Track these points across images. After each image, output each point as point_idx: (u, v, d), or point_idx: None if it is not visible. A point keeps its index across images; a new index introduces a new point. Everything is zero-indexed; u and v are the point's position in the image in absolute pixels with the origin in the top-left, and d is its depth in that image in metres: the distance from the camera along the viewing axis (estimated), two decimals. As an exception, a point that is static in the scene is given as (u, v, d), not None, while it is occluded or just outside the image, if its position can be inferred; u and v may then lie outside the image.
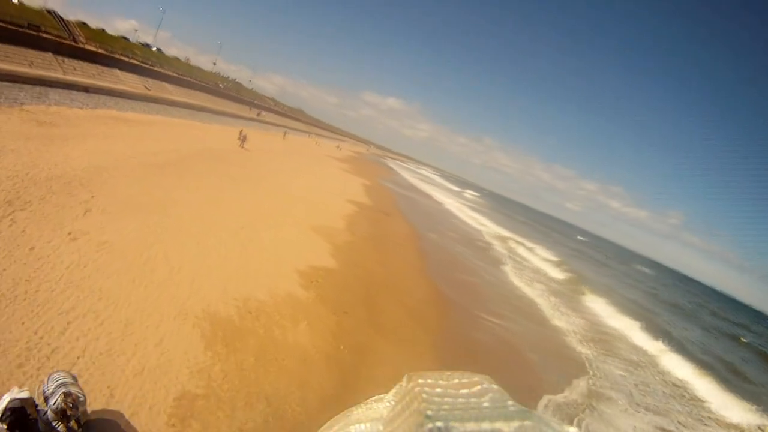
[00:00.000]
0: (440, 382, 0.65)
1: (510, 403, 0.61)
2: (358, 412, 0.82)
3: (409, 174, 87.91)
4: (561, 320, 15.84)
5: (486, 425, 0.54)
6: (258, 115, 69.49)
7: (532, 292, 18.97)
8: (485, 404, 0.58)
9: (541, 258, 31.68)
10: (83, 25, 34.72)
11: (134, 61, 32.71)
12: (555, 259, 32.99)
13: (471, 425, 0.53)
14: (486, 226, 40.41)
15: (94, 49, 26.86)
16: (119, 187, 10.72)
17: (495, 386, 0.66)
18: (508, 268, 22.70)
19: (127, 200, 10.01)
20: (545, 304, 17.74)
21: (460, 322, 11.50)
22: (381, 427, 0.66)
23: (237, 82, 79.31)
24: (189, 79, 45.95)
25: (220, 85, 65.52)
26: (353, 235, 15.14)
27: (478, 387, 0.63)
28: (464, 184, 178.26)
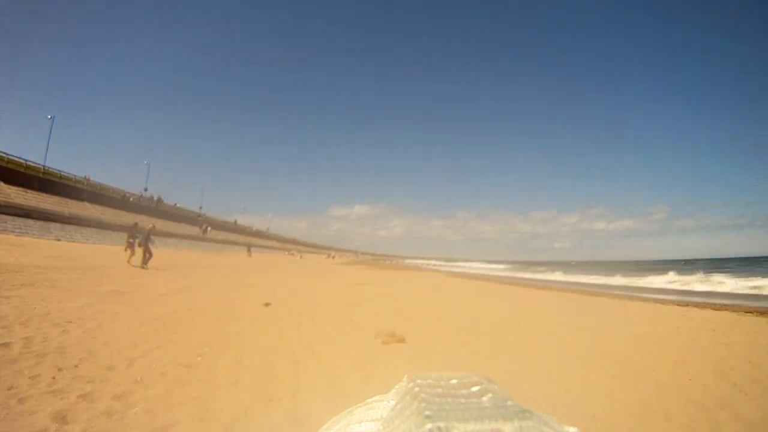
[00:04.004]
0: (440, 381, 0.31)
1: (510, 403, 0.30)
2: (359, 412, 0.34)
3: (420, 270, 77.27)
4: None
5: (486, 425, 0.28)
6: (205, 231, 52.09)
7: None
8: (485, 404, 0.29)
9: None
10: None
11: None
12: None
13: (471, 425, 0.29)
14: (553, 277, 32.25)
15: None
16: None
17: (495, 386, 0.32)
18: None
19: None
20: None
21: None
22: (381, 427, 0.30)
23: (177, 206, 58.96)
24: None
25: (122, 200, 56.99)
26: None
27: (478, 387, 0.31)
28: (462, 260, 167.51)
